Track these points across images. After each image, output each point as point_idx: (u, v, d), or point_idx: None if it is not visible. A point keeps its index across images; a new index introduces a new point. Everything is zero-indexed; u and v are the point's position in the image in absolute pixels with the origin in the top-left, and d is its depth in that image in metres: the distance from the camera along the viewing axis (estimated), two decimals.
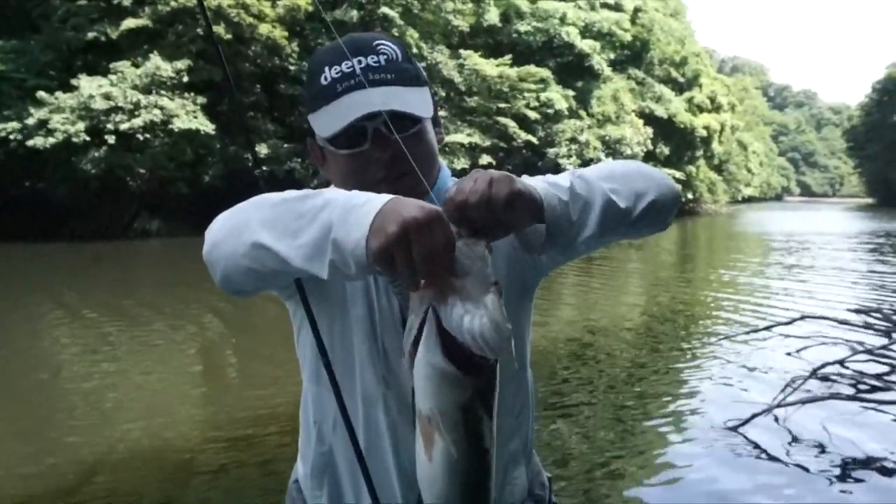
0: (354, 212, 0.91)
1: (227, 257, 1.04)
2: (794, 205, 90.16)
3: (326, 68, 1.18)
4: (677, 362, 7.64)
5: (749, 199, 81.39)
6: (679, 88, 47.32)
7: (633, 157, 37.02)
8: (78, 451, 4.91)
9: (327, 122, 1.16)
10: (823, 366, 5.81)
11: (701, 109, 49.11)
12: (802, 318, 7.30)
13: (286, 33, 24.57)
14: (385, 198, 0.91)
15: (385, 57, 1.19)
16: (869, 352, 6.12)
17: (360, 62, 1.17)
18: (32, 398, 6.26)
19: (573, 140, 33.54)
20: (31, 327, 9.12)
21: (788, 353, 7.32)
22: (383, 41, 1.20)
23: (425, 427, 0.90)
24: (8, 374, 7.05)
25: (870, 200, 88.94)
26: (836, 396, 5.35)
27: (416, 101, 1.18)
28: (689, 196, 47.59)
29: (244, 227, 1.01)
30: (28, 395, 6.34)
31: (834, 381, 5.95)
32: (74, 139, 20.27)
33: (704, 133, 47.90)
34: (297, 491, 1.40)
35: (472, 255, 0.91)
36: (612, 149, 35.59)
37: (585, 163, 33.64)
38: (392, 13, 26.88)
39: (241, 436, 5.15)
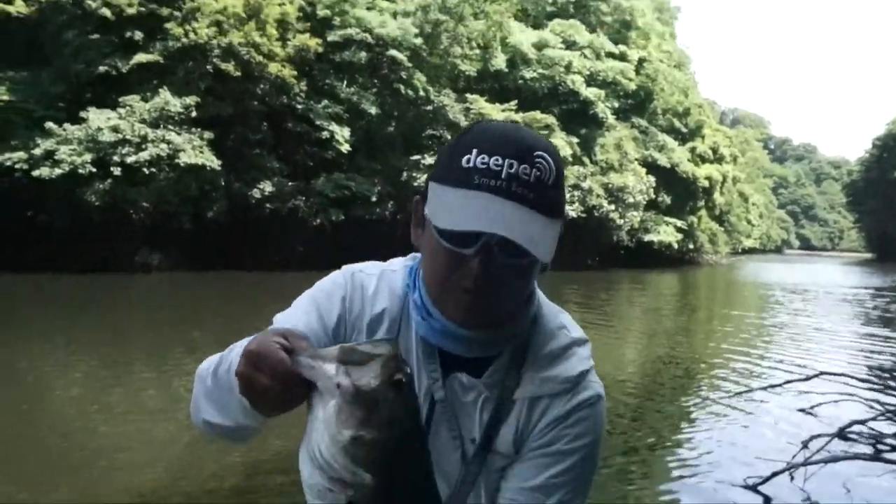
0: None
1: (204, 431, 1.17)
2: (794, 257, 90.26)
3: (475, 151, 1.08)
4: (691, 416, 7.48)
5: (749, 251, 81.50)
6: (682, 138, 47.63)
7: (635, 205, 37.11)
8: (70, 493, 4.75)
9: (447, 208, 1.07)
10: (850, 425, 5.64)
11: (703, 160, 49.42)
12: (820, 374, 7.13)
13: (295, 72, 24.82)
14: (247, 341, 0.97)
15: (537, 175, 1.07)
16: (894, 412, 5.95)
17: (510, 166, 1.06)
18: (20, 435, 6.07)
19: (576, 187, 33.65)
20: (23, 362, 8.91)
21: (801, 410, 7.19)
22: (544, 155, 1.09)
23: None
24: None
25: (868, 255, 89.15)
26: (859, 457, 5.19)
27: (541, 238, 1.06)
28: (691, 246, 47.61)
29: (195, 405, 1.17)
30: (15, 432, 6.14)
31: (853, 440, 5.79)
32: (80, 170, 20.31)
33: (706, 183, 48.14)
34: None
35: (316, 364, 0.89)
36: (615, 196, 35.68)
37: (588, 210, 33.83)
38: (400, 56, 27.18)
39: (233, 484, 4.98)
